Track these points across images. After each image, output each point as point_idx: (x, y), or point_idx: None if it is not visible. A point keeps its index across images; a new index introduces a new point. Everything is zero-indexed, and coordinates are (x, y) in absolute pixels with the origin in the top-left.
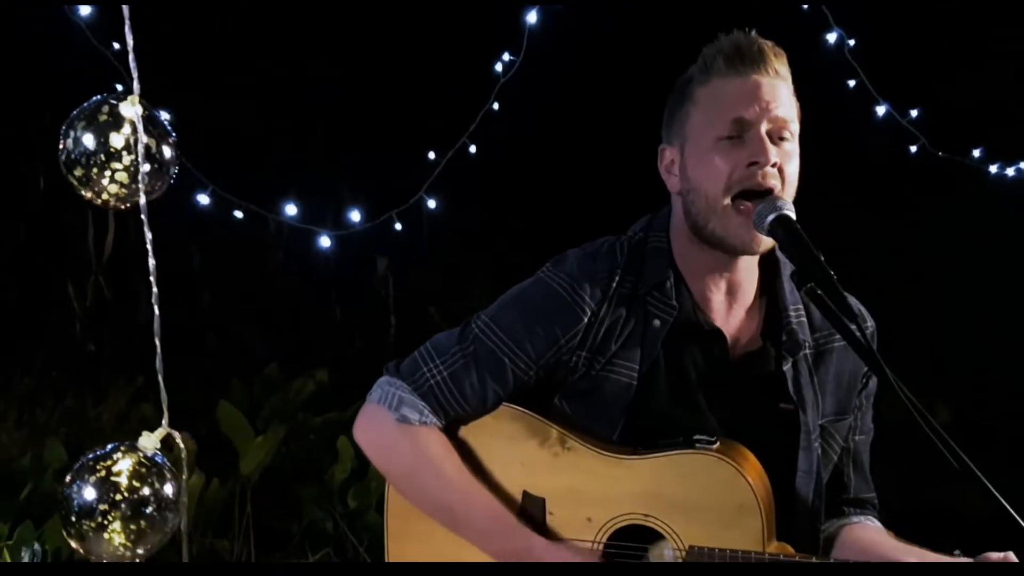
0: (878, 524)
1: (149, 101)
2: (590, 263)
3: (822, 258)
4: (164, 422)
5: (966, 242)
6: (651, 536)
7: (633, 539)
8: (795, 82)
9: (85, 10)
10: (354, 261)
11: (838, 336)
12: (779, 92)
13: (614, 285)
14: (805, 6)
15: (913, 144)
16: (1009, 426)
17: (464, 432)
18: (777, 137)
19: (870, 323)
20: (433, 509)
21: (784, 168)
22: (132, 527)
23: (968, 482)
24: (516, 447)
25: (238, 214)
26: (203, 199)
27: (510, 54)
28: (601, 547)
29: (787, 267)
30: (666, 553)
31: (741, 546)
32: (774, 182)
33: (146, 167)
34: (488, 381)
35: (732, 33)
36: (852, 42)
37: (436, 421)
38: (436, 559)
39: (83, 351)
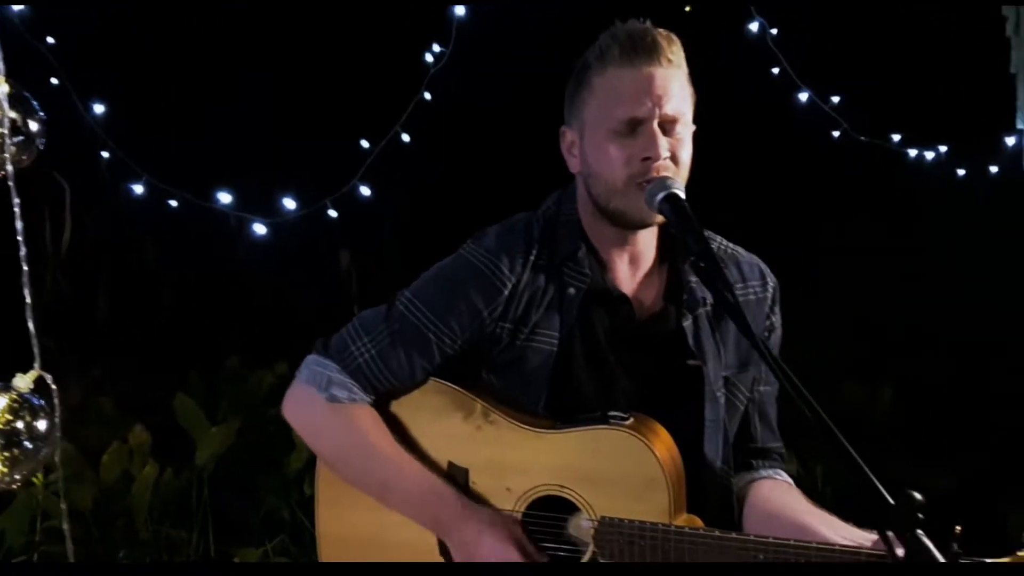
0: (786, 478)
1: (82, 95)
2: (508, 237)
3: (704, 233)
4: (36, 366)
5: (893, 223)
6: (566, 507)
7: (549, 509)
8: (718, 71)
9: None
10: (317, 253)
11: (739, 291)
12: (671, 84)
13: (531, 257)
14: None
15: (836, 129)
16: (950, 407)
17: (392, 407)
18: (669, 127)
19: (772, 281)
20: (367, 484)
21: (677, 155)
22: (6, 455)
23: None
24: (442, 420)
25: (172, 203)
26: (138, 188)
27: (439, 45)
28: (519, 516)
29: None
30: (583, 524)
31: (649, 517)
32: (667, 173)
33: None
34: (415, 357)
35: (628, 23)
36: (774, 31)
37: (366, 397)
38: (367, 524)
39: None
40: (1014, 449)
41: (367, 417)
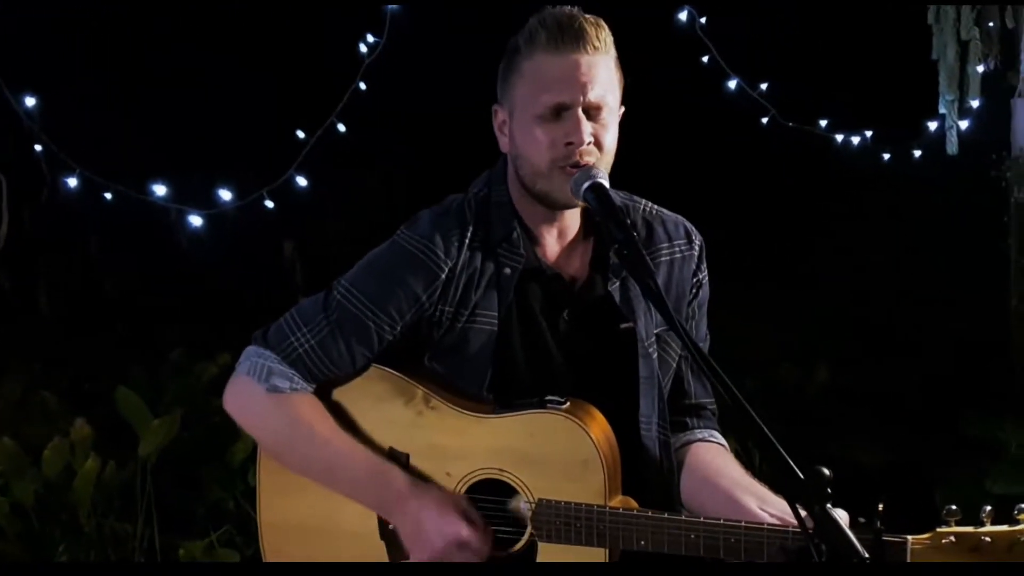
0: (720, 439)
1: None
2: (441, 221)
3: (628, 222)
4: None
5: (821, 207)
6: (506, 490)
7: (489, 493)
8: (649, 61)
9: None
10: (260, 243)
11: (665, 251)
12: (597, 70)
13: (467, 240)
14: None
15: (764, 116)
16: (882, 386)
17: (334, 394)
18: (595, 112)
19: (697, 239)
20: (312, 470)
21: (601, 140)
22: None
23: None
24: (383, 407)
25: (108, 196)
26: (71, 181)
27: (373, 35)
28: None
29: None
30: (521, 506)
31: (585, 499)
32: (590, 158)
33: None
34: (355, 345)
35: (556, 8)
36: (703, 20)
37: (307, 387)
38: (310, 512)
39: None
40: (942, 427)
41: (308, 405)
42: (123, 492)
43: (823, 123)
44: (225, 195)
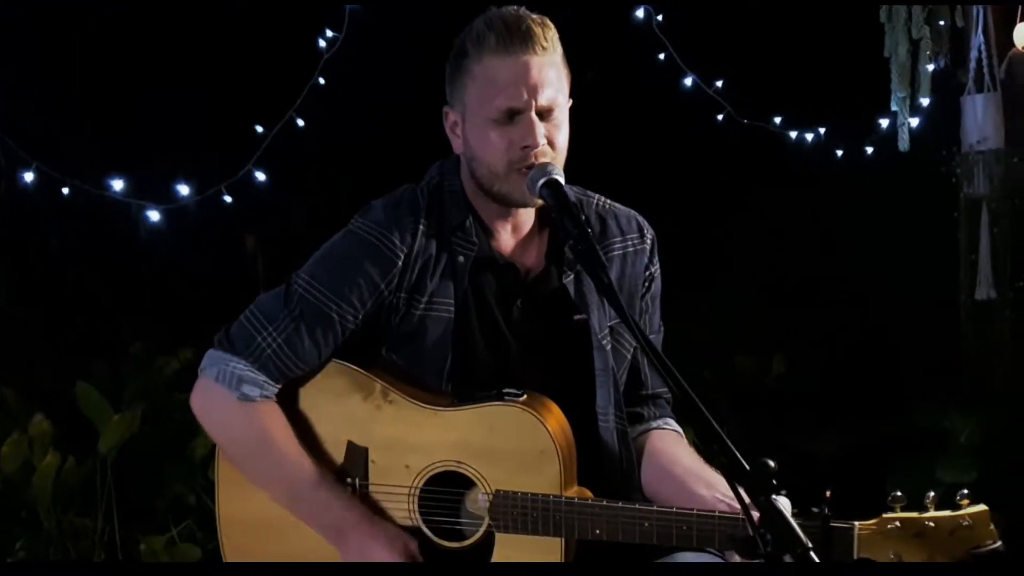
0: (675, 427)
1: None
2: (394, 210)
3: (582, 218)
4: None
5: (775, 201)
6: (463, 482)
7: (448, 485)
8: (606, 57)
9: None
10: (222, 237)
11: (618, 245)
12: (547, 71)
13: (420, 227)
14: None
15: (720, 113)
16: (837, 376)
17: (293, 389)
18: (547, 114)
19: (649, 233)
20: (270, 485)
21: (554, 140)
22: None
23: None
24: (342, 401)
25: (65, 191)
26: (28, 176)
27: (332, 30)
28: (417, 492)
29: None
30: (479, 498)
31: (542, 490)
32: (545, 158)
33: None
34: (320, 337)
35: (502, 9)
36: (660, 17)
37: (275, 388)
38: (270, 507)
39: None
40: (893, 417)
41: (276, 418)
42: (83, 488)
43: (777, 120)
44: (183, 190)
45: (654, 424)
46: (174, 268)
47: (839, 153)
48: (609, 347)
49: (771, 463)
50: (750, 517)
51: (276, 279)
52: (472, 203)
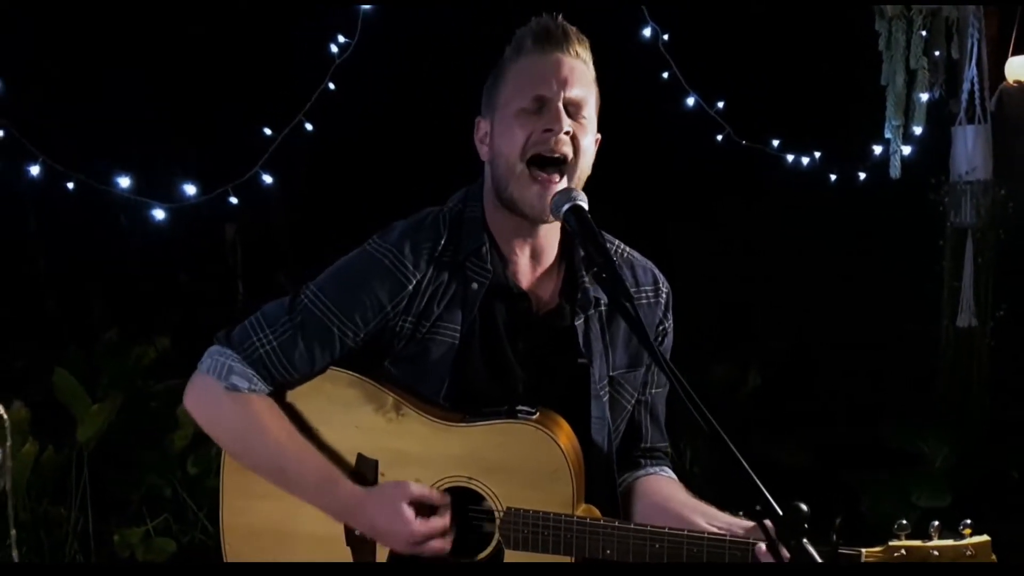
0: (671, 474)
1: None
2: (414, 234)
3: (607, 245)
4: None
5: (768, 221)
6: (473, 498)
7: (457, 500)
8: (613, 74)
9: None
10: (201, 228)
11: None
12: (578, 72)
13: (436, 254)
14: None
15: (719, 133)
16: (809, 390)
17: (304, 397)
18: (574, 111)
19: (665, 287)
20: (266, 472)
21: (579, 139)
22: None
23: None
24: (353, 412)
25: (70, 185)
26: (34, 170)
27: (344, 36)
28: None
29: None
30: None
31: (553, 508)
32: (566, 149)
33: None
34: (316, 349)
35: (542, 16)
36: (666, 36)
37: (265, 388)
38: (274, 515)
39: None
40: (869, 434)
41: (265, 406)
42: (57, 476)
43: (775, 143)
44: (190, 189)
45: (651, 471)
46: (151, 255)
47: (833, 177)
48: (607, 398)
49: (803, 507)
50: (771, 540)
51: (252, 270)
52: (490, 226)
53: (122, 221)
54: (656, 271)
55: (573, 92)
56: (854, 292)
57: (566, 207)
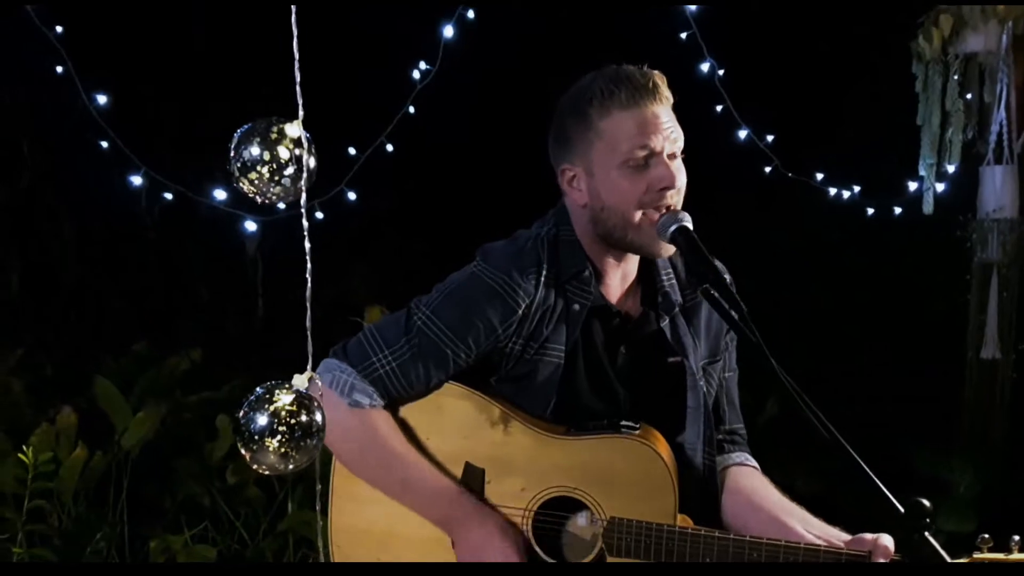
0: (753, 463)
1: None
2: (520, 258)
3: (715, 262)
4: (308, 367)
5: (804, 252)
6: (576, 507)
7: (560, 509)
8: (677, 108)
9: None
10: (223, 242)
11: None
12: (672, 120)
13: (542, 277)
14: (683, 35)
15: (768, 166)
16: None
17: (415, 409)
18: (671, 158)
19: (727, 277)
20: (385, 483)
21: (681, 184)
22: (292, 447)
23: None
24: (462, 423)
25: (168, 196)
26: (136, 180)
27: (426, 63)
28: (531, 514)
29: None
30: (579, 521)
31: (655, 518)
32: (678, 198)
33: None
34: (432, 370)
35: (623, 67)
36: (722, 72)
37: (381, 403)
38: (381, 519)
39: None
40: (893, 462)
41: (384, 421)
42: (99, 483)
43: (819, 176)
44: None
45: (735, 459)
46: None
47: (870, 211)
48: (704, 387)
49: (926, 502)
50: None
51: (274, 287)
52: (588, 253)
53: (151, 236)
54: (720, 265)
55: (676, 144)
56: (881, 321)
57: (673, 228)
